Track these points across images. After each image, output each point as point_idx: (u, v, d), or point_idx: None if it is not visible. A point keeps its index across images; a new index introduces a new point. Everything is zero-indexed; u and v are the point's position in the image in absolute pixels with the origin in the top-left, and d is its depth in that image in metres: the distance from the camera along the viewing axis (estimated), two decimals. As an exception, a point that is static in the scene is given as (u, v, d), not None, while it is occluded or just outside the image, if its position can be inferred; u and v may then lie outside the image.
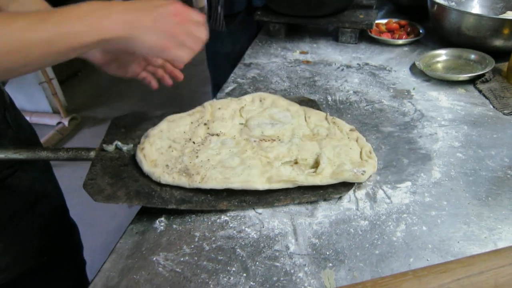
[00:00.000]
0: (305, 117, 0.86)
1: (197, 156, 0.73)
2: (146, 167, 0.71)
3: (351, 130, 0.81)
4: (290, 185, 0.69)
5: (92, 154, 0.77)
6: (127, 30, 0.59)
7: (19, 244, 0.85)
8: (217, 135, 0.79)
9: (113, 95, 3.46)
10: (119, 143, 0.78)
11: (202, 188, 0.68)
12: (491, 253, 0.52)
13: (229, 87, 1.07)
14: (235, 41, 1.60)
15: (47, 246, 0.93)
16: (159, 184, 0.70)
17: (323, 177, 0.69)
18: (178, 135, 0.79)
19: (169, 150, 0.75)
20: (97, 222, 2.21)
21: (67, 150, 0.76)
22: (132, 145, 0.79)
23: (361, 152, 0.75)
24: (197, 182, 0.68)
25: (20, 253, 0.85)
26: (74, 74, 3.48)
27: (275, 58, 1.23)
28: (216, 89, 1.82)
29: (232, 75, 1.13)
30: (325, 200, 0.69)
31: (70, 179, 2.48)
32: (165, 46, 0.64)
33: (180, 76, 0.87)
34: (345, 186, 0.70)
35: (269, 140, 0.78)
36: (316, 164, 0.72)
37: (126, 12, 0.59)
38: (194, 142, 0.77)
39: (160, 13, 0.62)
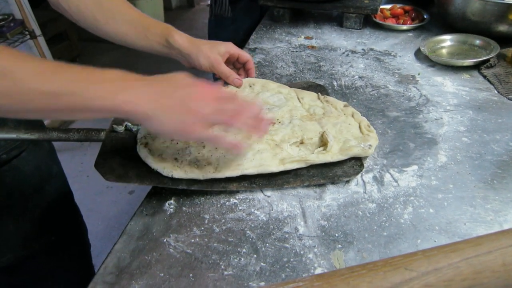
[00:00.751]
0: (298, 98, 0.86)
1: (203, 146, 0.73)
2: (154, 164, 0.69)
3: (345, 106, 0.83)
4: (303, 165, 0.69)
5: (103, 134, 0.77)
6: (146, 108, 0.55)
7: (28, 224, 0.87)
8: None
9: (112, 81, 3.44)
10: (129, 123, 0.78)
11: (217, 178, 0.68)
12: (498, 234, 0.53)
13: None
14: (239, 27, 1.59)
15: (54, 226, 0.94)
16: None
17: (334, 154, 0.70)
18: None
19: (173, 143, 0.74)
20: (98, 207, 2.23)
21: (77, 131, 0.76)
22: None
23: (360, 127, 0.77)
24: (211, 172, 0.67)
25: (29, 233, 0.87)
26: (72, 59, 3.46)
27: (280, 43, 1.22)
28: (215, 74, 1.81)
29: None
30: (333, 183, 0.70)
31: (70, 164, 2.50)
32: (189, 128, 0.58)
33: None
34: (354, 169, 0.71)
35: (270, 124, 0.78)
36: (321, 143, 0.73)
37: (146, 88, 0.56)
38: None
39: (183, 94, 0.58)
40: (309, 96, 0.87)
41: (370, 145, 0.71)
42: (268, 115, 0.80)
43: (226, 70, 0.86)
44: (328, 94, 0.90)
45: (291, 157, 0.70)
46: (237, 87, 0.88)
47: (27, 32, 2.53)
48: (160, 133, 0.61)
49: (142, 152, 0.71)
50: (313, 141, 0.74)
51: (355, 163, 0.71)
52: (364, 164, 0.73)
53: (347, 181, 0.70)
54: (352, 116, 0.80)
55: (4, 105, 0.49)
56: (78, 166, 2.53)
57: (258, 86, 0.90)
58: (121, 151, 0.73)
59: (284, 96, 0.86)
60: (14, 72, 0.47)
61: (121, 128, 0.78)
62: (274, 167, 0.68)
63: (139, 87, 0.56)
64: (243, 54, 0.91)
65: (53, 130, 0.74)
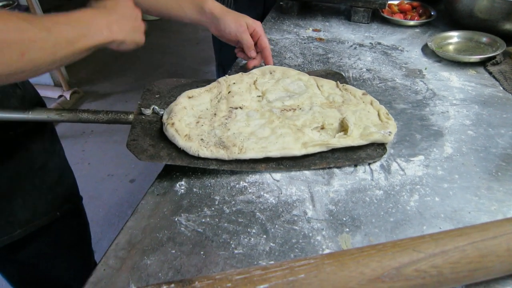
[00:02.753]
0: (317, 86, 0.88)
1: (228, 129, 0.74)
2: (181, 141, 0.71)
3: (363, 94, 0.85)
4: (324, 148, 0.72)
5: (131, 117, 0.79)
6: (126, 35, 0.68)
7: (36, 200, 0.88)
8: (240, 108, 0.81)
9: (115, 70, 3.44)
10: (156, 107, 0.80)
11: (242, 158, 0.70)
12: (504, 220, 0.55)
13: (243, 60, 1.08)
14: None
15: (58, 202, 0.96)
16: None
17: (354, 139, 0.72)
18: (202, 112, 0.80)
19: (198, 125, 0.76)
20: (99, 195, 2.24)
21: (106, 113, 0.79)
22: None
23: (379, 114, 0.79)
24: (236, 153, 0.69)
25: (36, 208, 0.88)
26: (75, 48, 3.45)
27: (288, 35, 1.23)
28: (220, 68, 1.82)
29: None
30: (356, 165, 0.72)
31: (71, 152, 2.51)
32: (142, 37, 0.74)
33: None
34: (377, 152, 0.73)
35: (290, 110, 0.80)
36: (341, 128, 0.75)
37: (114, 20, 0.66)
38: (221, 116, 0.78)
39: (127, 13, 0.71)
40: (328, 84, 0.89)
41: (390, 132, 0.74)
42: (289, 102, 0.83)
43: (249, 40, 0.93)
44: (346, 83, 0.91)
45: (313, 141, 0.72)
46: (252, 57, 0.95)
47: (32, 18, 2.53)
48: (129, 49, 0.71)
49: (169, 132, 0.73)
50: (333, 127, 0.76)
51: (378, 147, 0.74)
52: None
53: (355, 168, 0.72)
54: (371, 104, 0.83)
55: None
56: (80, 154, 2.53)
57: (279, 73, 0.92)
58: (150, 133, 0.75)
59: (304, 83, 0.88)
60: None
61: (148, 111, 0.79)
62: (297, 150, 0.70)
63: (112, 20, 0.65)
64: (264, 40, 0.95)
65: (83, 112, 0.77)
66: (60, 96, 2.90)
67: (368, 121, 0.77)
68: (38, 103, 0.95)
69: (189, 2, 0.91)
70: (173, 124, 0.74)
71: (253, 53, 0.94)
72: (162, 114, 0.79)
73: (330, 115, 0.78)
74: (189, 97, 0.82)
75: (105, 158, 2.50)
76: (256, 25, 0.94)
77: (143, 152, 0.70)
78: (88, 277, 0.55)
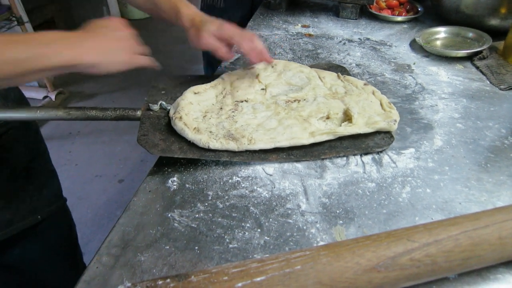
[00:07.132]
0: (319, 77, 0.89)
1: (236, 122, 0.75)
2: (191, 134, 0.71)
3: (365, 84, 0.87)
4: (331, 137, 0.73)
5: (139, 113, 0.79)
6: (98, 57, 0.65)
7: (18, 202, 0.86)
8: (246, 101, 0.81)
9: (101, 70, 3.40)
10: (163, 102, 0.80)
11: (251, 149, 0.70)
12: (495, 210, 0.55)
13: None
14: (230, 17, 1.58)
15: (42, 204, 0.94)
16: None
17: (360, 127, 0.74)
18: (208, 107, 0.81)
19: (206, 118, 0.76)
20: (87, 196, 2.20)
21: (114, 110, 0.79)
22: None
23: (381, 104, 0.81)
24: (245, 144, 0.70)
25: (19, 210, 0.86)
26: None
27: (277, 31, 1.23)
28: (209, 67, 1.81)
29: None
30: (366, 154, 0.74)
31: (58, 153, 2.47)
32: (129, 58, 0.70)
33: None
34: (385, 141, 0.75)
35: (295, 101, 0.81)
36: (346, 118, 0.77)
37: (90, 39, 0.65)
38: (227, 109, 0.79)
39: (109, 33, 0.69)
40: (330, 76, 0.90)
41: (395, 121, 0.76)
42: (293, 94, 0.84)
43: (211, 45, 0.81)
44: (349, 74, 0.92)
45: (320, 130, 0.73)
46: (226, 60, 0.91)
47: (14, 18, 2.49)
48: (110, 71, 0.67)
49: (178, 125, 0.73)
50: (338, 116, 0.78)
51: (385, 136, 0.76)
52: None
53: (347, 161, 0.72)
54: (373, 93, 0.84)
55: None
56: (67, 155, 2.50)
57: (280, 66, 0.93)
58: (159, 128, 0.76)
59: (306, 75, 0.89)
60: None
61: (156, 107, 0.80)
62: (305, 139, 0.72)
63: (79, 40, 0.64)
64: (236, 39, 0.83)
65: (91, 109, 0.77)
66: (45, 97, 2.86)
67: (371, 111, 0.79)
68: (22, 103, 0.93)
69: (168, 10, 0.86)
70: (181, 118, 0.74)
71: (224, 55, 0.83)
72: (169, 109, 0.79)
73: (334, 105, 0.79)
74: (195, 93, 0.83)
75: (92, 159, 2.47)
76: (220, 30, 0.82)
77: (154, 147, 0.70)
78: (81, 276, 0.54)
